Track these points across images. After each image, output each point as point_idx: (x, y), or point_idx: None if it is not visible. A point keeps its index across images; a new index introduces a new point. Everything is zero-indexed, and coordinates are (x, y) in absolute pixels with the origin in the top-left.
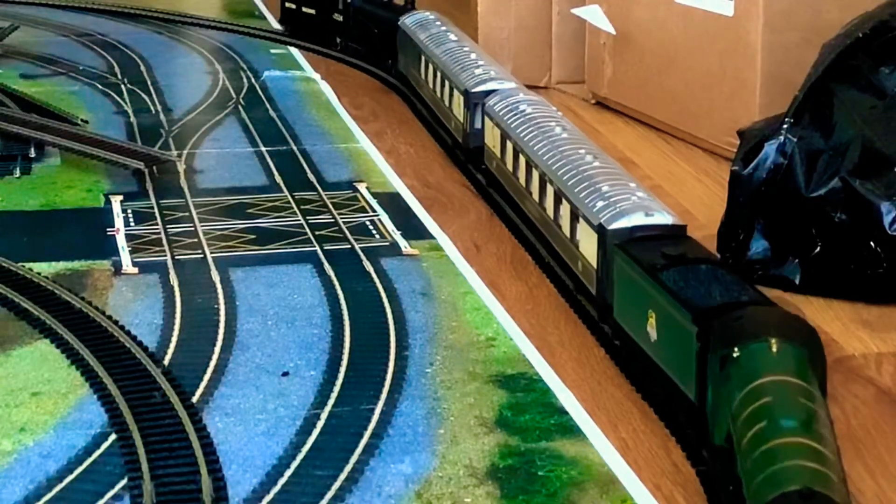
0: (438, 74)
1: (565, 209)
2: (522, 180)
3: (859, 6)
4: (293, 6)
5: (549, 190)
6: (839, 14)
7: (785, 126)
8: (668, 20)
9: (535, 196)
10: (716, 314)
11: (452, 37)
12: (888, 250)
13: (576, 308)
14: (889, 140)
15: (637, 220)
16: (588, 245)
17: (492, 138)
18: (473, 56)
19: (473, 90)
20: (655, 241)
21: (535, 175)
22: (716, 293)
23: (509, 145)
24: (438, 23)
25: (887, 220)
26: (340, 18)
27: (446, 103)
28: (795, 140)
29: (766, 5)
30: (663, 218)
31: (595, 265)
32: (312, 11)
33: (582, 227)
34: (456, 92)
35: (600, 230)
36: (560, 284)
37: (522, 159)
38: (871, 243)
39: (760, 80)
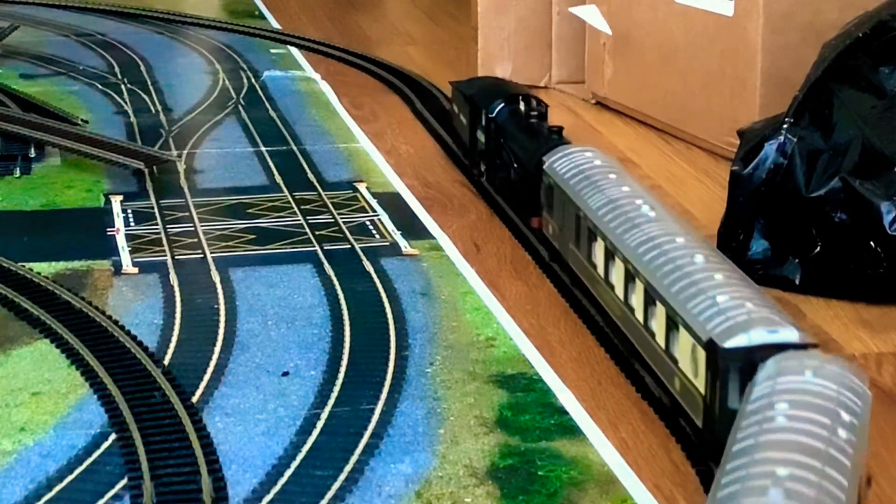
0: (638, 284)
1: None
2: None
3: (859, 6)
4: (455, 109)
5: None
6: (839, 14)
7: (785, 126)
8: (668, 20)
9: None
10: None
11: (649, 211)
12: (888, 250)
13: None
14: (889, 140)
15: None
16: None
17: None
18: (701, 258)
19: (727, 344)
20: None
21: None
22: None
23: None
24: (613, 174)
25: (887, 220)
26: (483, 138)
27: (660, 343)
28: (795, 140)
29: (766, 5)
30: None
31: None
32: (464, 120)
33: None
34: (683, 332)
35: None
36: None
37: None
38: (871, 243)
39: (760, 80)
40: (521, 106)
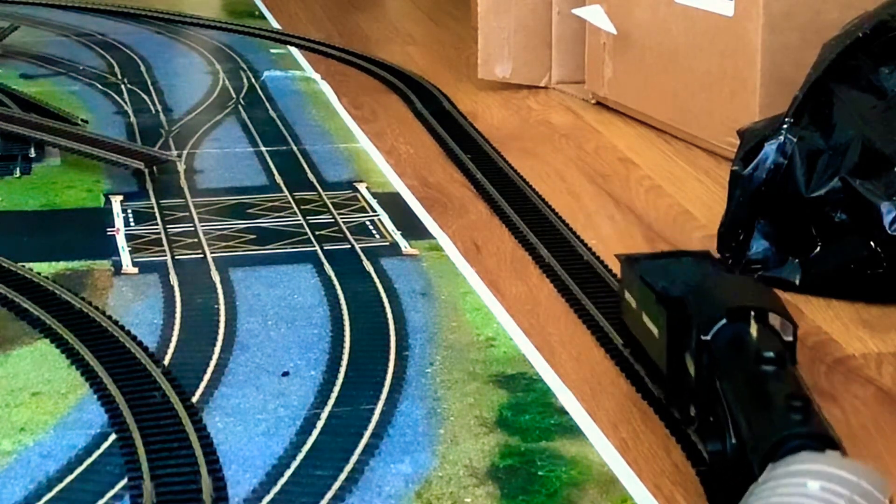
0: None
1: None
2: None
3: (859, 6)
4: (629, 299)
5: None
6: (839, 14)
7: (785, 126)
8: (668, 20)
9: None
10: None
11: None
12: (888, 250)
13: None
14: (889, 140)
15: None
16: None
17: None
18: None
19: None
20: None
21: None
22: None
23: None
24: None
25: (887, 220)
26: (692, 369)
27: None
28: (795, 140)
29: (766, 5)
30: None
31: None
32: (651, 325)
33: None
34: None
35: None
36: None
37: None
38: (871, 243)
39: (760, 80)
40: (753, 330)
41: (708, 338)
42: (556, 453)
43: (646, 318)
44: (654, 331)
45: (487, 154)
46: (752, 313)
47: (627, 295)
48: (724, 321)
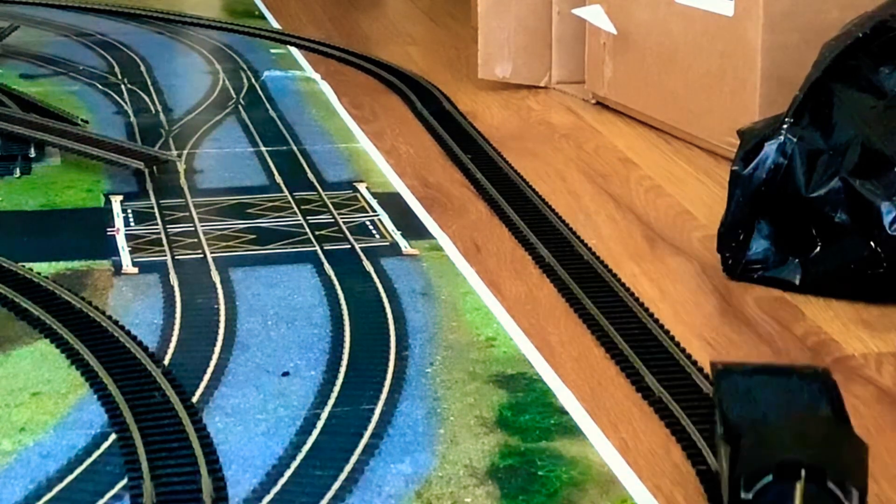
0: None
1: None
2: None
3: (859, 6)
4: (718, 423)
5: None
6: (839, 14)
7: (785, 126)
8: (668, 20)
9: None
10: None
11: None
12: (888, 250)
13: None
14: (889, 140)
15: None
16: None
17: None
18: None
19: None
20: None
21: None
22: None
23: None
24: None
25: (887, 220)
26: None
27: None
28: (795, 140)
29: (766, 5)
30: None
31: None
32: (724, 457)
33: None
34: None
35: None
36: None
37: None
38: (871, 243)
39: (760, 80)
40: (798, 495)
41: (749, 496)
42: (556, 453)
43: (722, 448)
44: (725, 466)
45: (487, 154)
46: (804, 472)
47: (716, 414)
48: (771, 479)
